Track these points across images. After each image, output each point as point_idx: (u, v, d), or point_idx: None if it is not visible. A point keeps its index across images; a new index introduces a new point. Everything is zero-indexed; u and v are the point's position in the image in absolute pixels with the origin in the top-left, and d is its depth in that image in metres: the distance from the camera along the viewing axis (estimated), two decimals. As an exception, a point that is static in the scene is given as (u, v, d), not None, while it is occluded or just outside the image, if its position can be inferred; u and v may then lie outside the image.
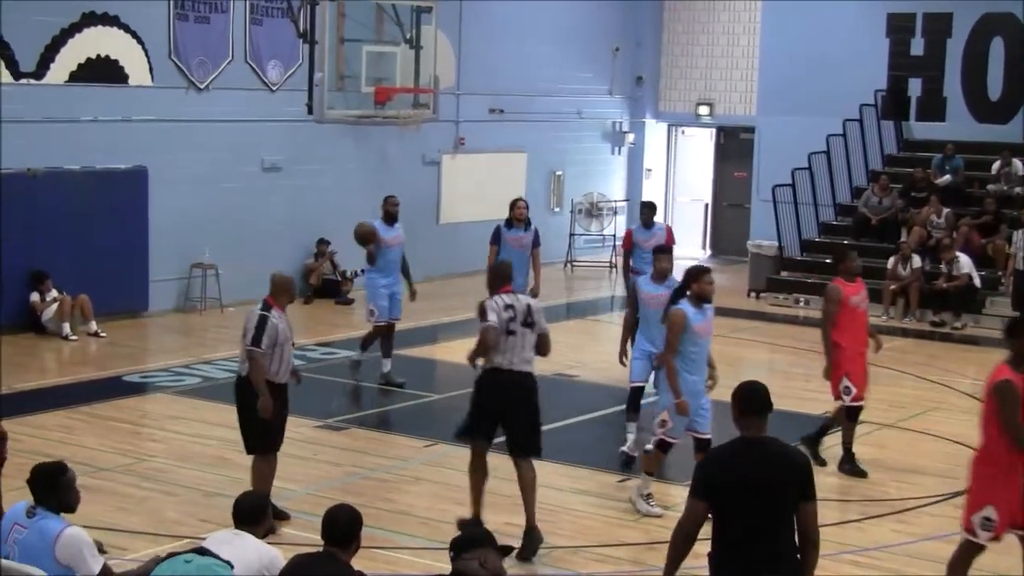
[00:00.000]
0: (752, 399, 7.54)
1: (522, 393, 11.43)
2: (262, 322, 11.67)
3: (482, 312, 11.50)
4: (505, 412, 11.46)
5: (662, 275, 13.88)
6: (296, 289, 12.13)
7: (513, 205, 17.95)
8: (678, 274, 13.18)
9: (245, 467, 13.63)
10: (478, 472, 11.64)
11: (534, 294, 15.72)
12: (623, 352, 14.50)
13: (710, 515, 7.49)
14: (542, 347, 11.55)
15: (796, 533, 7.42)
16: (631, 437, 14.07)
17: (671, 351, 12.07)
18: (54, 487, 8.08)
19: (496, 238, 17.75)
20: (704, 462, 7.56)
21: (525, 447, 11.45)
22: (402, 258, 17.50)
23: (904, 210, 25.61)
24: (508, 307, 11.44)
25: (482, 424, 11.55)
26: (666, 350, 12.18)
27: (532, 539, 11.22)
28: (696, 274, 12.23)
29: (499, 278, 11.83)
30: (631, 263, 17.81)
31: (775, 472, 7.36)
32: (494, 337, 11.28)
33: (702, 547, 7.59)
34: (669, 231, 18.45)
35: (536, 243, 17.73)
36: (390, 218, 17.36)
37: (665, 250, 14.38)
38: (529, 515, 11.34)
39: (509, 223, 17.80)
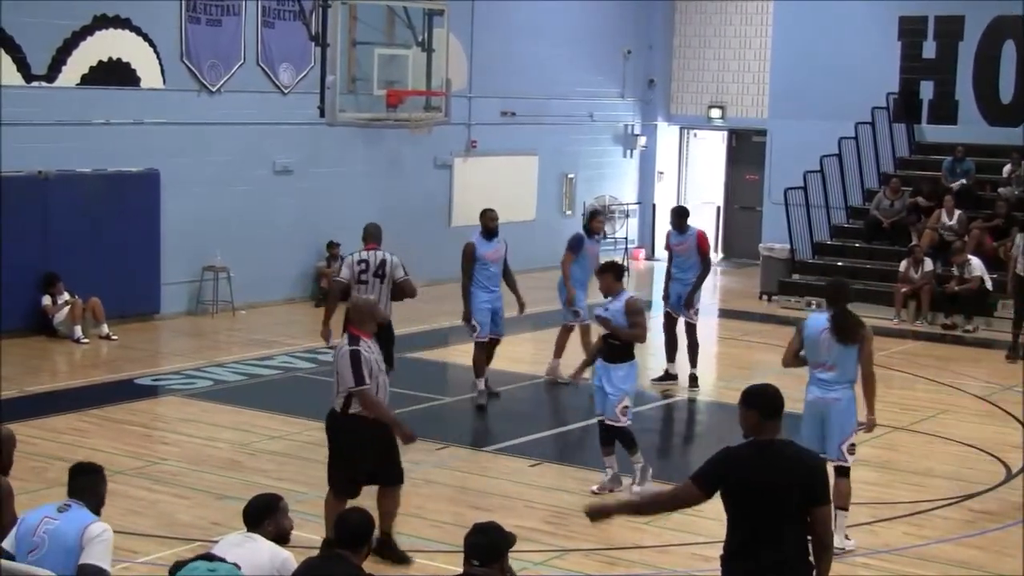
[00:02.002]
0: (765, 402, 7.53)
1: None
2: (356, 358, 10.75)
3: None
4: None
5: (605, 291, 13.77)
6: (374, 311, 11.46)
7: (593, 216, 18.36)
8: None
9: (256, 470, 13.69)
10: None
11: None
12: None
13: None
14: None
15: (806, 538, 7.41)
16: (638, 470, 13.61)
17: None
18: (93, 483, 8.20)
19: (577, 245, 17.78)
20: (718, 457, 7.53)
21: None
22: (505, 271, 17.16)
23: (913, 212, 25.57)
24: (361, 262, 14.68)
25: None
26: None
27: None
28: None
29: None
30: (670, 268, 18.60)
31: (784, 476, 7.35)
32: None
33: (713, 551, 7.60)
34: (701, 236, 18.62)
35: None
36: (489, 233, 17.11)
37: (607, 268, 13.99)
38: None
39: (589, 231, 18.01)
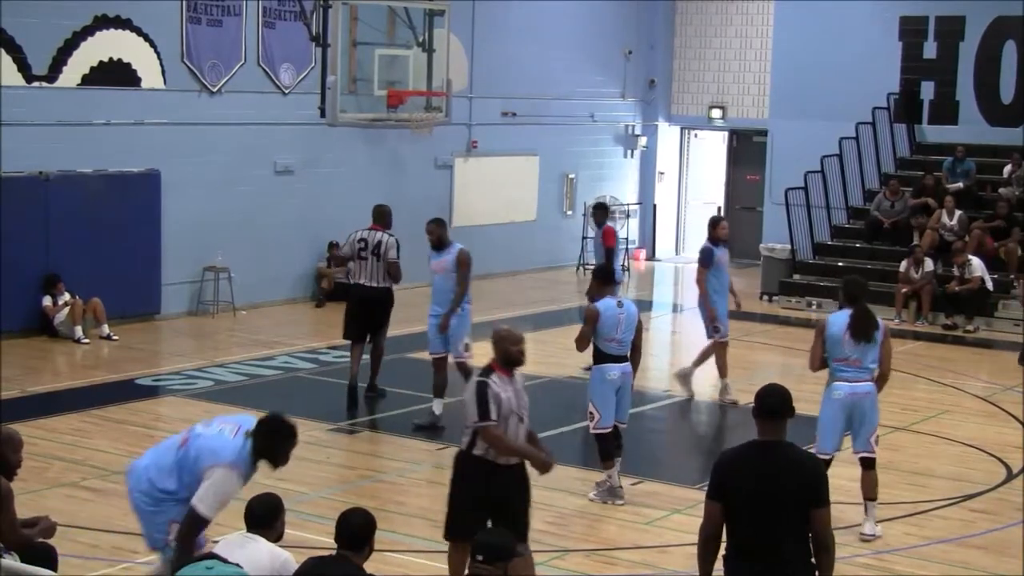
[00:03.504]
0: (768, 402, 7.56)
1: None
2: (482, 390, 9.64)
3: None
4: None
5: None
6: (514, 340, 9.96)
7: (716, 224, 17.71)
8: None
9: (258, 470, 13.65)
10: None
11: None
12: None
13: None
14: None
15: (808, 539, 7.42)
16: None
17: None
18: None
19: (708, 258, 17.35)
20: (717, 464, 7.57)
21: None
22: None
23: (918, 212, 25.57)
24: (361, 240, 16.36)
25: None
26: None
27: None
28: None
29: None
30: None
31: (784, 477, 7.36)
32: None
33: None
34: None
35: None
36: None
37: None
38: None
39: (714, 240, 17.50)
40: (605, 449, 13.07)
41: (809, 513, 7.36)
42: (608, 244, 19.15)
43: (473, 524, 9.13)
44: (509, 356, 9.75)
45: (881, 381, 12.20)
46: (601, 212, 19.61)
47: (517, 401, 9.75)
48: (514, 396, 9.72)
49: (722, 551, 7.59)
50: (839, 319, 12.09)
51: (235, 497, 8.52)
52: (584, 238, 29.19)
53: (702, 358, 17.72)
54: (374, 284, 16.49)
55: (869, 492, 12.17)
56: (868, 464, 12.15)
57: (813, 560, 7.45)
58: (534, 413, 17.52)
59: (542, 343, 19.89)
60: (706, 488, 7.68)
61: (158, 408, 16.75)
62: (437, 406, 15.83)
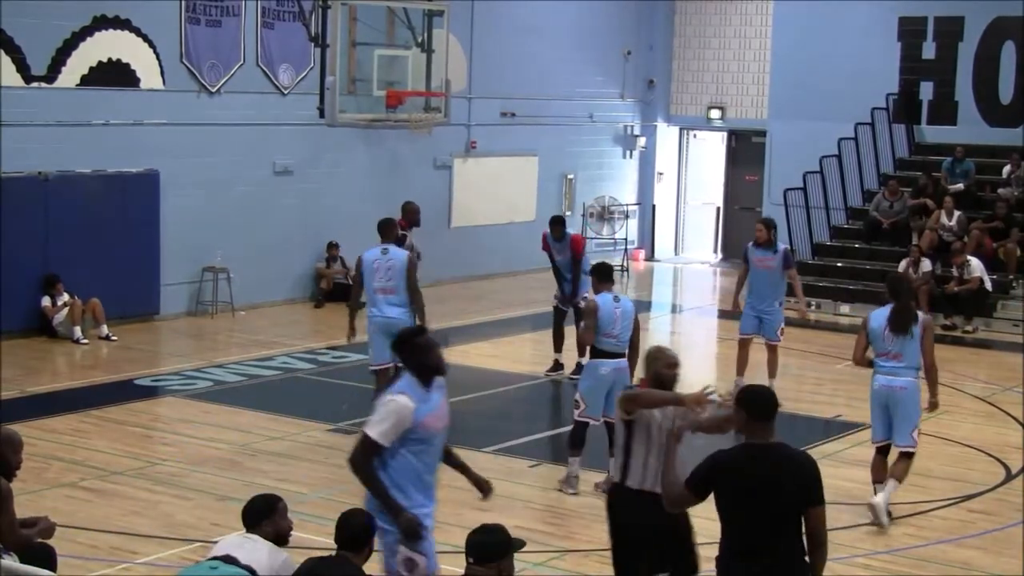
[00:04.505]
0: (760, 404, 7.51)
1: None
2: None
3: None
4: None
5: None
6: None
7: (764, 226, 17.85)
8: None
9: (257, 470, 13.68)
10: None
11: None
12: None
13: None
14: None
15: (802, 540, 7.42)
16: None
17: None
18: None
19: (746, 257, 17.85)
20: (710, 463, 7.51)
21: None
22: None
23: (917, 212, 25.58)
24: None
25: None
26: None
27: None
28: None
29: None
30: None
31: (777, 478, 7.34)
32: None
33: (713, 551, 7.60)
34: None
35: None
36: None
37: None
38: None
39: (756, 243, 17.67)
40: (578, 436, 13.35)
41: (806, 511, 7.36)
42: (579, 252, 18.77)
43: (639, 568, 8.78)
44: (661, 379, 8.97)
45: (928, 374, 12.56)
46: (559, 226, 18.70)
47: (670, 424, 8.74)
48: (667, 419, 8.79)
49: (715, 552, 7.58)
50: (880, 314, 12.52)
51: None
52: (584, 238, 29.18)
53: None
54: None
55: (898, 474, 12.59)
56: (906, 456, 12.59)
57: (807, 559, 7.46)
58: (535, 413, 17.51)
59: (541, 343, 19.88)
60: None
61: (157, 408, 16.73)
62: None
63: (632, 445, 8.82)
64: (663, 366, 8.97)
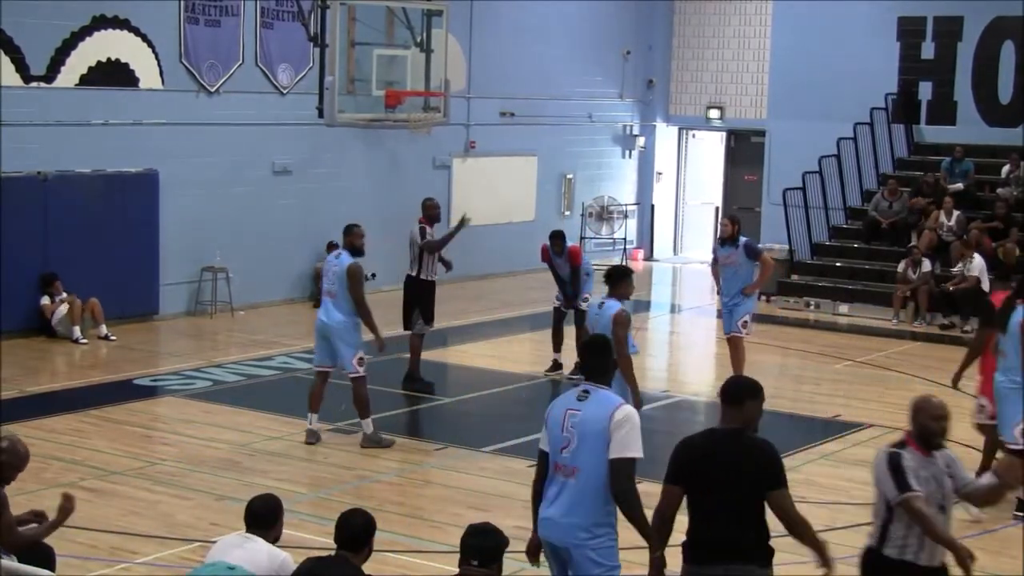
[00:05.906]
0: (725, 390, 7.80)
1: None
2: (895, 461, 7.81)
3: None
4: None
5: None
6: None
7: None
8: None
9: (256, 471, 13.68)
10: None
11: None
12: None
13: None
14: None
15: (765, 523, 7.59)
16: None
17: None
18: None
19: (715, 255, 18.15)
20: (677, 449, 7.78)
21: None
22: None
23: (916, 213, 25.58)
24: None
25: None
26: None
27: None
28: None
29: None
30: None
31: (740, 462, 7.57)
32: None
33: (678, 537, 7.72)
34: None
35: None
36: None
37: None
38: None
39: (721, 240, 18.02)
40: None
41: (768, 496, 7.51)
42: (577, 263, 18.82)
43: None
44: (927, 432, 7.91)
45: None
46: (559, 240, 18.90)
47: (939, 486, 7.93)
48: (934, 480, 7.89)
49: (683, 539, 7.77)
50: (1017, 314, 12.51)
51: None
52: (582, 238, 29.17)
53: None
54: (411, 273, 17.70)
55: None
56: (1015, 455, 12.31)
57: (771, 544, 7.63)
58: (534, 413, 17.51)
59: (541, 343, 19.88)
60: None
61: (156, 408, 16.73)
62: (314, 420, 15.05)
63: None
64: (930, 418, 7.92)
